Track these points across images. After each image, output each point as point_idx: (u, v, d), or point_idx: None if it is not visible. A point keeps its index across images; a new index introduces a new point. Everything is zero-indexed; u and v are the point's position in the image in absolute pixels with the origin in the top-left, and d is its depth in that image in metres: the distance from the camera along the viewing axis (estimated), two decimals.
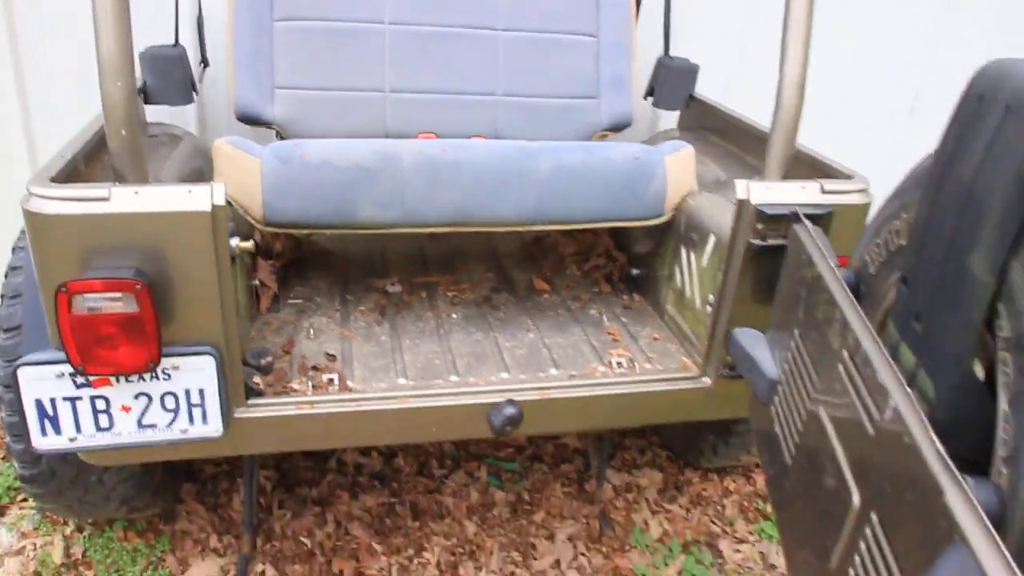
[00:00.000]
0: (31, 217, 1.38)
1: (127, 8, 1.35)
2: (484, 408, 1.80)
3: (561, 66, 2.47)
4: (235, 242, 1.57)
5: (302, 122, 2.31)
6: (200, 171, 2.07)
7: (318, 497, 2.51)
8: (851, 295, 1.29)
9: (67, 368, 1.48)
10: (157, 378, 1.55)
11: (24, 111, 2.59)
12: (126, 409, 1.57)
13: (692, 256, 2.03)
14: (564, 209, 1.95)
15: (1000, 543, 0.73)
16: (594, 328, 2.20)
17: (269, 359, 1.85)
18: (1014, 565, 0.70)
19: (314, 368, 1.89)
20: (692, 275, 2.03)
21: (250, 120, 2.29)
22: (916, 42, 3.17)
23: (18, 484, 2.43)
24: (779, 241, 1.70)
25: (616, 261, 2.52)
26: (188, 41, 2.37)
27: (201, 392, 1.59)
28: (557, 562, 2.37)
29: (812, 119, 3.03)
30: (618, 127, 2.54)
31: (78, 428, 1.56)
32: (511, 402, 1.78)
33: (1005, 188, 1.02)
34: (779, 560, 2.44)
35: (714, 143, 2.46)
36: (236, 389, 1.66)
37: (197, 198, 1.44)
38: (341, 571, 2.25)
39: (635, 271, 2.41)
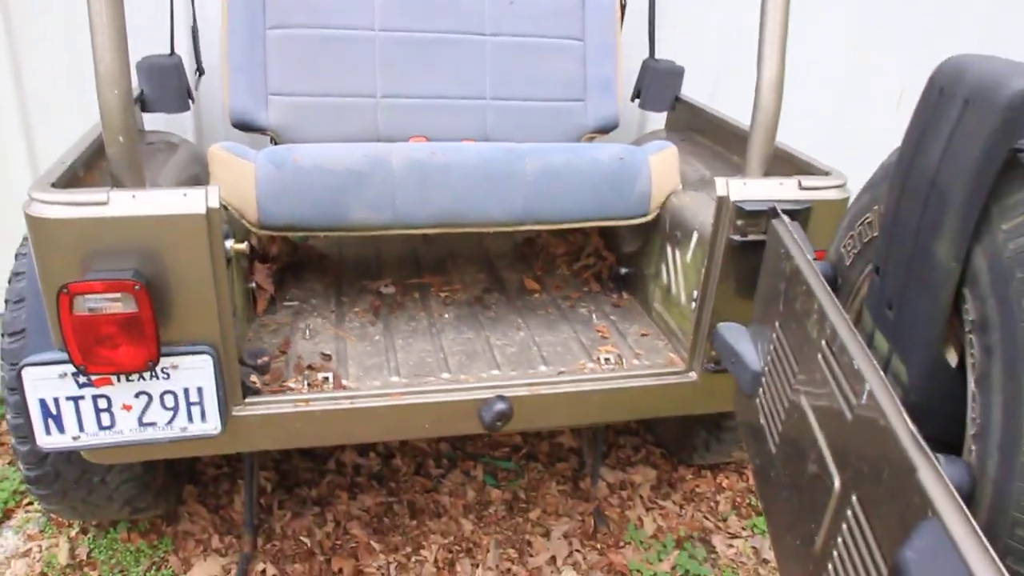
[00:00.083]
0: (33, 221, 1.43)
1: (123, 19, 1.41)
2: (475, 404, 1.84)
3: (548, 70, 2.52)
4: (230, 244, 1.62)
5: (296, 128, 2.36)
6: (197, 177, 2.12)
7: (317, 497, 2.55)
8: (828, 287, 1.33)
9: (70, 368, 1.53)
10: (157, 377, 1.60)
11: (26, 130, 2.64)
12: (127, 408, 1.61)
13: (677, 253, 2.07)
14: (552, 209, 1.99)
15: (969, 515, 0.77)
16: (583, 326, 2.25)
17: (266, 359, 1.90)
18: (982, 535, 0.74)
19: (309, 367, 1.93)
20: (677, 272, 2.08)
21: (245, 126, 2.34)
22: (903, 40, 3.22)
23: (24, 488, 2.47)
24: (759, 237, 1.74)
25: (605, 260, 2.56)
26: (184, 50, 2.43)
27: (200, 390, 1.63)
28: (553, 558, 2.41)
29: (802, 116, 3.12)
30: (605, 129, 2.59)
31: (81, 427, 1.61)
32: (501, 398, 1.82)
33: (965, 177, 1.06)
34: (772, 555, 2.47)
35: (700, 143, 2.50)
36: (234, 388, 1.70)
37: (192, 201, 1.48)
38: (340, 569, 2.29)
39: (624, 270, 2.45)
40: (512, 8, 2.48)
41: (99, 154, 1.75)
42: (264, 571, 2.27)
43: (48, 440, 1.61)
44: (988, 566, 0.72)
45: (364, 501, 2.55)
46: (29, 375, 1.54)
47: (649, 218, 2.11)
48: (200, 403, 1.65)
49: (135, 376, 1.58)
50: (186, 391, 1.63)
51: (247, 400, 1.75)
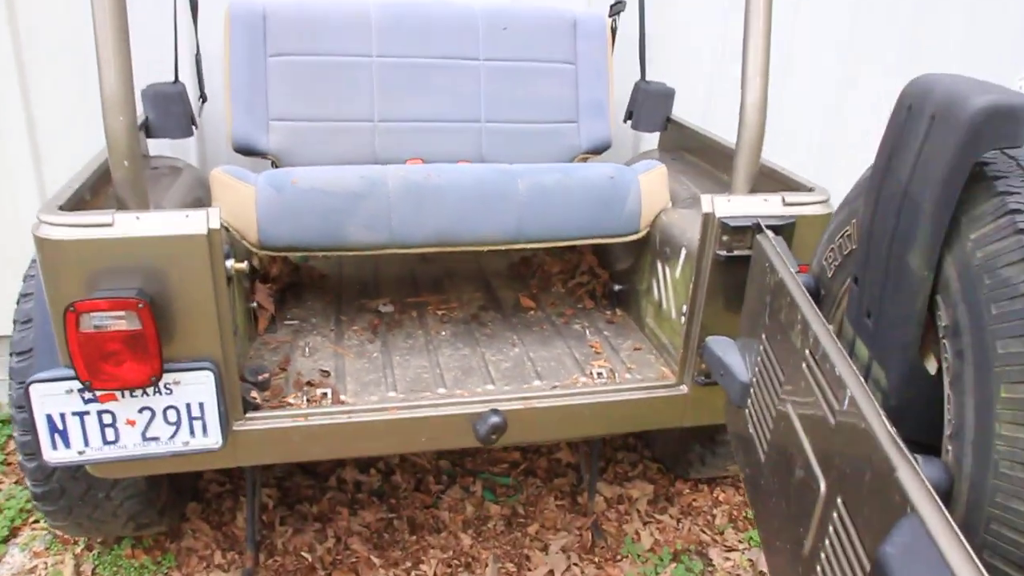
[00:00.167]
0: (41, 242, 1.48)
1: (128, 49, 1.47)
2: (470, 418, 1.88)
3: (541, 93, 2.59)
4: (231, 263, 1.67)
5: (296, 151, 2.42)
6: (200, 200, 2.18)
7: (318, 513, 2.58)
8: (810, 298, 1.38)
9: (76, 384, 1.58)
10: (160, 392, 1.64)
11: (35, 160, 2.71)
12: (131, 423, 1.66)
13: (667, 269, 2.12)
14: (544, 228, 2.04)
15: (946, 512, 0.81)
16: (577, 342, 2.29)
17: (266, 375, 1.94)
18: (957, 530, 0.78)
19: (309, 384, 1.98)
20: (667, 287, 2.12)
21: (247, 151, 2.40)
22: (895, 54, 3.29)
23: (30, 506, 2.51)
24: (744, 252, 1.79)
25: (599, 278, 2.61)
26: (187, 78, 2.50)
27: (201, 406, 1.68)
28: (551, 572, 2.43)
29: (799, 131, 3.17)
30: (598, 150, 2.65)
31: (86, 441, 1.65)
32: (495, 411, 1.86)
33: (934, 189, 1.11)
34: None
35: (691, 162, 2.56)
36: (235, 403, 1.75)
37: (194, 222, 1.54)
38: None
39: (617, 287, 2.50)
40: (505, 33, 2.55)
41: (105, 178, 1.81)
42: None
43: (54, 455, 1.65)
44: (964, 560, 0.75)
45: (364, 517, 2.58)
46: (36, 391, 1.59)
47: (640, 235, 2.16)
48: (202, 418, 1.69)
49: (139, 392, 1.63)
50: (188, 406, 1.67)
51: (248, 415, 1.79)
